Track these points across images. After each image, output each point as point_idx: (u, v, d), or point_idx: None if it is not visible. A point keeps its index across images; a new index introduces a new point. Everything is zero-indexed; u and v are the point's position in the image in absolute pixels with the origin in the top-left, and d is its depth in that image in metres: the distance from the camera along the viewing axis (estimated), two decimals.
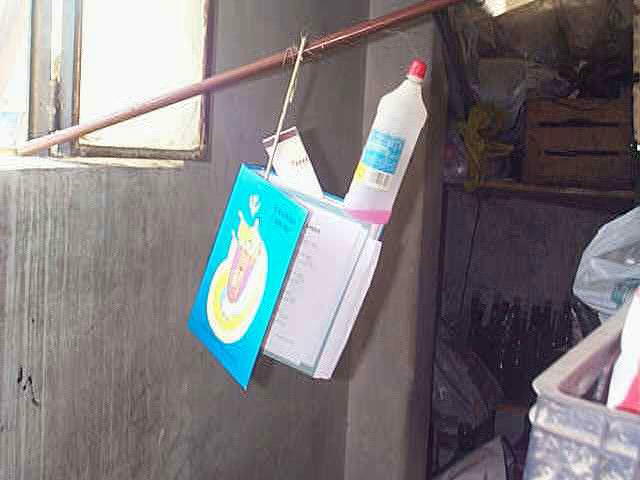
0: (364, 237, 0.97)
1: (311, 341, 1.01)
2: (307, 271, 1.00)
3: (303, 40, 0.97)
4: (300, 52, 0.97)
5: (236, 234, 1.03)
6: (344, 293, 0.98)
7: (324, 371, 1.02)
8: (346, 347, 1.01)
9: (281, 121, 0.99)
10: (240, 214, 1.02)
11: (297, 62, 0.97)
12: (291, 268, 0.98)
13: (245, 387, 0.98)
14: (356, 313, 0.99)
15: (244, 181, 1.03)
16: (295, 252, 0.96)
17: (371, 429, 2.17)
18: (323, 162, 1.81)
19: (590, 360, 0.47)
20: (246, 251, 1.00)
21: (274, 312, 0.97)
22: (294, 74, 0.97)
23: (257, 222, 0.98)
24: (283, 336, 1.02)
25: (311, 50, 0.98)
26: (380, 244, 0.97)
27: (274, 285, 0.93)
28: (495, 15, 2.84)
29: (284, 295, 1.00)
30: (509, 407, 2.83)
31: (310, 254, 0.99)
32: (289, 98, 0.98)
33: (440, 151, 2.35)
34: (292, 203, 0.92)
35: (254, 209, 0.99)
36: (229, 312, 1.01)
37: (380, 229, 0.98)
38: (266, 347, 1.02)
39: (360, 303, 0.99)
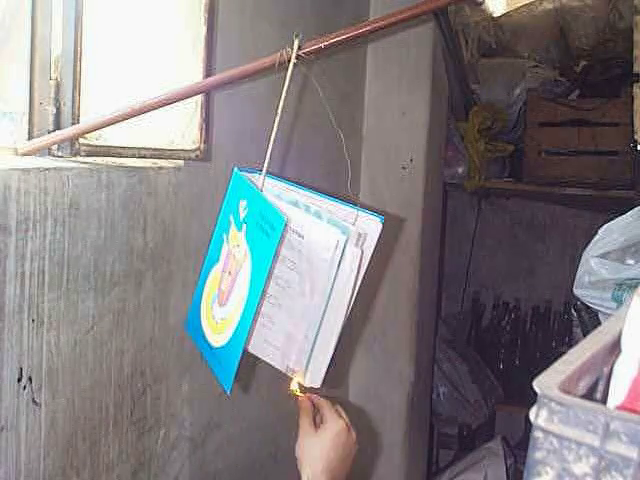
0: (343, 243, 0.94)
1: (298, 347, 1.00)
2: (293, 277, 0.99)
3: (296, 42, 0.96)
4: (293, 55, 0.96)
5: (227, 238, 1.02)
6: (329, 299, 0.97)
7: (314, 378, 1.00)
8: (337, 353, 0.99)
9: (276, 122, 0.98)
10: (231, 218, 1.01)
11: (291, 64, 0.96)
12: (271, 274, 0.97)
13: (228, 392, 0.97)
14: (342, 319, 0.97)
15: (236, 185, 1.02)
16: (275, 258, 0.95)
17: (371, 429, 2.17)
18: (323, 162, 1.81)
19: (590, 360, 0.46)
20: (234, 255, 0.99)
21: (255, 318, 0.96)
22: (288, 77, 0.96)
23: (244, 227, 0.97)
24: (271, 341, 1.02)
25: (310, 51, 0.98)
26: (359, 252, 0.94)
27: (256, 291, 0.92)
28: (495, 15, 2.84)
29: (272, 301, 0.99)
30: (509, 407, 2.83)
31: (295, 259, 0.98)
32: (283, 101, 0.97)
33: (440, 151, 2.35)
34: (274, 209, 0.90)
35: (242, 214, 0.98)
36: (218, 316, 1.01)
37: (370, 234, 0.95)
38: (254, 351, 1.02)
39: (345, 309, 0.96)
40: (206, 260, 1.07)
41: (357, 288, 0.97)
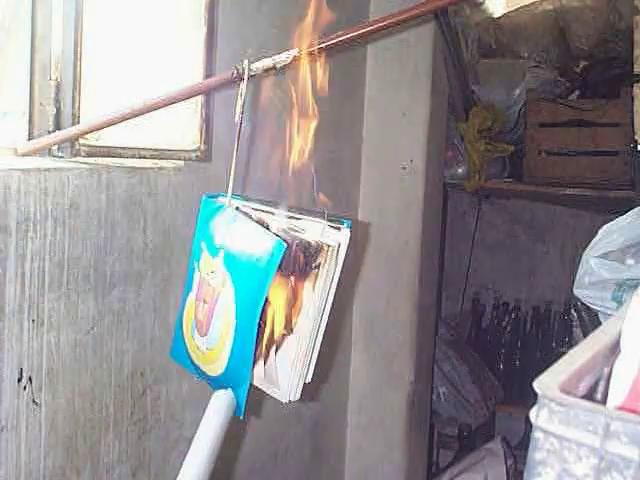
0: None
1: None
2: None
3: (246, 62, 0.96)
4: (246, 75, 0.96)
5: (198, 266, 0.99)
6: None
7: (291, 393, 0.99)
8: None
9: (236, 135, 0.96)
10: (203, 245, 0.98)
11: (243, 83, 0.95)
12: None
13: (242, 417, 0.95)
14: (318, 328, 0.96)
15: (206, 211, 0.99)
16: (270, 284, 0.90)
17: (371, 429, 2.17)
18: (322, 162, 1.81)
19: (590, 360, 0.46)
20: (209, 283, 0.95)
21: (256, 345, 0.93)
22: (240, 93, 0.95)
23: (222, 253, 0.94)
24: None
25: (310, 51, 0.98)
26: (330, 261, 0.94)
27: (250, 317, 0.88)
28: (495, 15, 2.84)
29: None
30: (509, 407, 2.83)
31: None
32: (240, 115, 0.96)
33: (440, 151, 2.35)
34: (266, 235, 0.88)
35: (218, 240, 0.95)
36: (203, 346, 0.97)
37: (340, 243, 0.94)
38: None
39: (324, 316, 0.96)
40: (184, 288, 1.04)
41: (331, 296, 0.95)
